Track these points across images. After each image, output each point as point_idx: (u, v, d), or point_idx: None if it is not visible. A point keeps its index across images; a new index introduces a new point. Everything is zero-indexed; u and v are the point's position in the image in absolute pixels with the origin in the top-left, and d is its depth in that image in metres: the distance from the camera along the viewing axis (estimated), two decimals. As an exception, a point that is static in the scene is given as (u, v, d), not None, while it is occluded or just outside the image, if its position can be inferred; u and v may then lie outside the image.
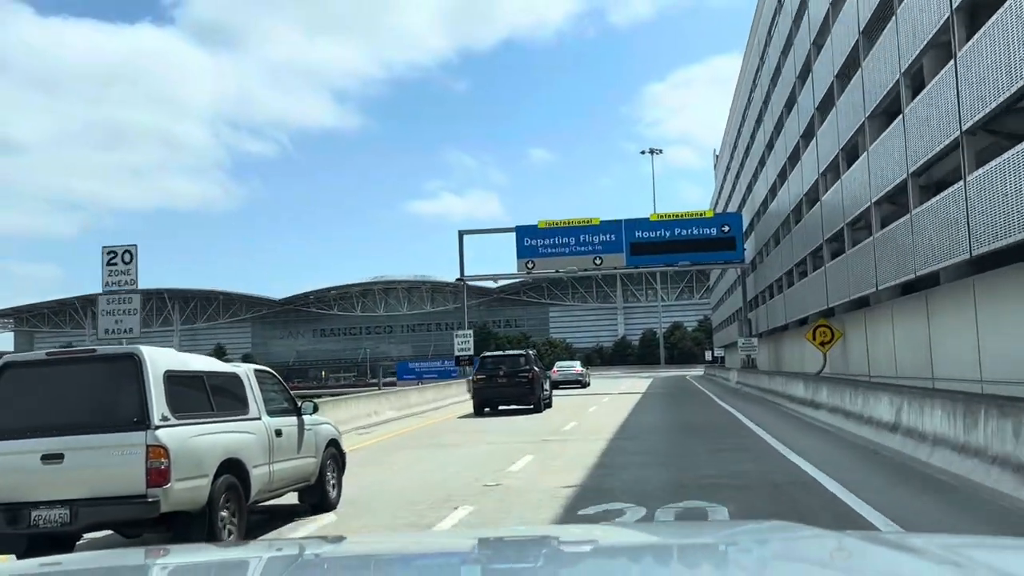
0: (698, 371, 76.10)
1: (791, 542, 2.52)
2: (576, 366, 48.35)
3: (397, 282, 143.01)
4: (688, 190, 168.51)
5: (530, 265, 40.34)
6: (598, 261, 39.91)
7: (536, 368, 25.94)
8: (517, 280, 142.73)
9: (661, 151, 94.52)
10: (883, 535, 3.66)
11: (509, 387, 24.97)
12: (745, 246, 43.19)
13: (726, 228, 40.00)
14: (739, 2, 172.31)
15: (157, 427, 7.23)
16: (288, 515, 9.79)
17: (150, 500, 7.09)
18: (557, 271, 41.52)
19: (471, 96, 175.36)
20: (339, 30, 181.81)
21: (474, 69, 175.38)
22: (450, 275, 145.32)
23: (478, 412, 25.05)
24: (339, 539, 3.05)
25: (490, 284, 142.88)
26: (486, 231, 44.79)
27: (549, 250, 40.16)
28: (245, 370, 9.21)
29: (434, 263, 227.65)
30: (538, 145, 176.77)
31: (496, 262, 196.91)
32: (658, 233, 39.69)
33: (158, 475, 7.10)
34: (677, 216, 40.36)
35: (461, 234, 41.42)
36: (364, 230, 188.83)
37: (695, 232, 39.60)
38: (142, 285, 15.94)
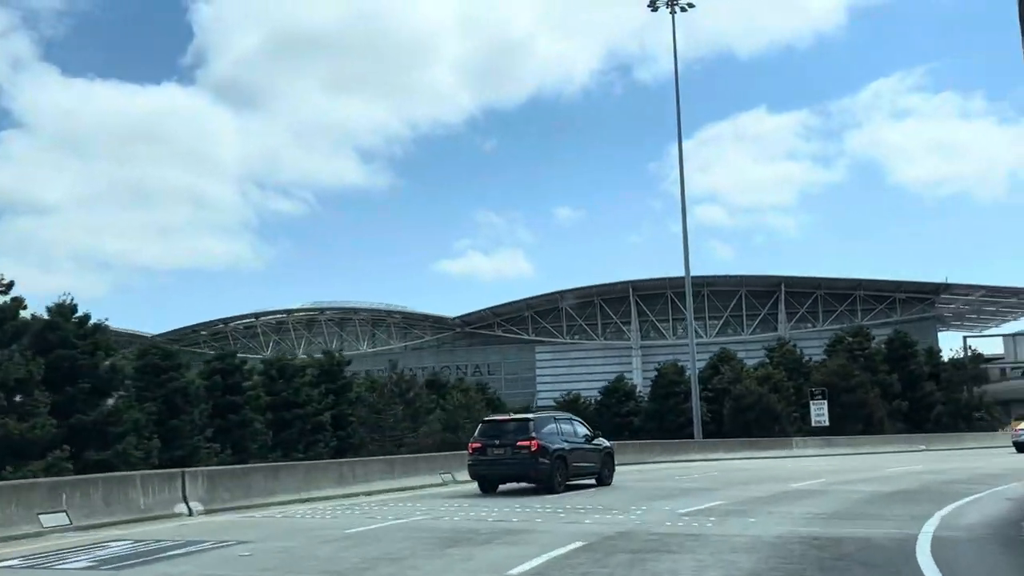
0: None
1: None
2: None
3: (316, 310, 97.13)
4: (719, 249, 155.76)
5: None
6: None
7: (536, 435, 20.99)
8: (486, 308, 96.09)
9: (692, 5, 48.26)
10: None
11: (507, 460, 21.07)
12: None
13: None
14: (766, 57, 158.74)
15: None
16: None
17: None
18: None
19: (497, 153, 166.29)
20: (362, 88, 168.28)
21: (500, 126, 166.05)
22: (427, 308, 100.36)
23: (482, 490, 21.47)
24: None
25: (448, 314, 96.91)
26: None
27: None
28: None
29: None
30: (564, 203, 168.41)
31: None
32: None
33: None
34: None
35: None
36: (393, 289, 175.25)
37: None
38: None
